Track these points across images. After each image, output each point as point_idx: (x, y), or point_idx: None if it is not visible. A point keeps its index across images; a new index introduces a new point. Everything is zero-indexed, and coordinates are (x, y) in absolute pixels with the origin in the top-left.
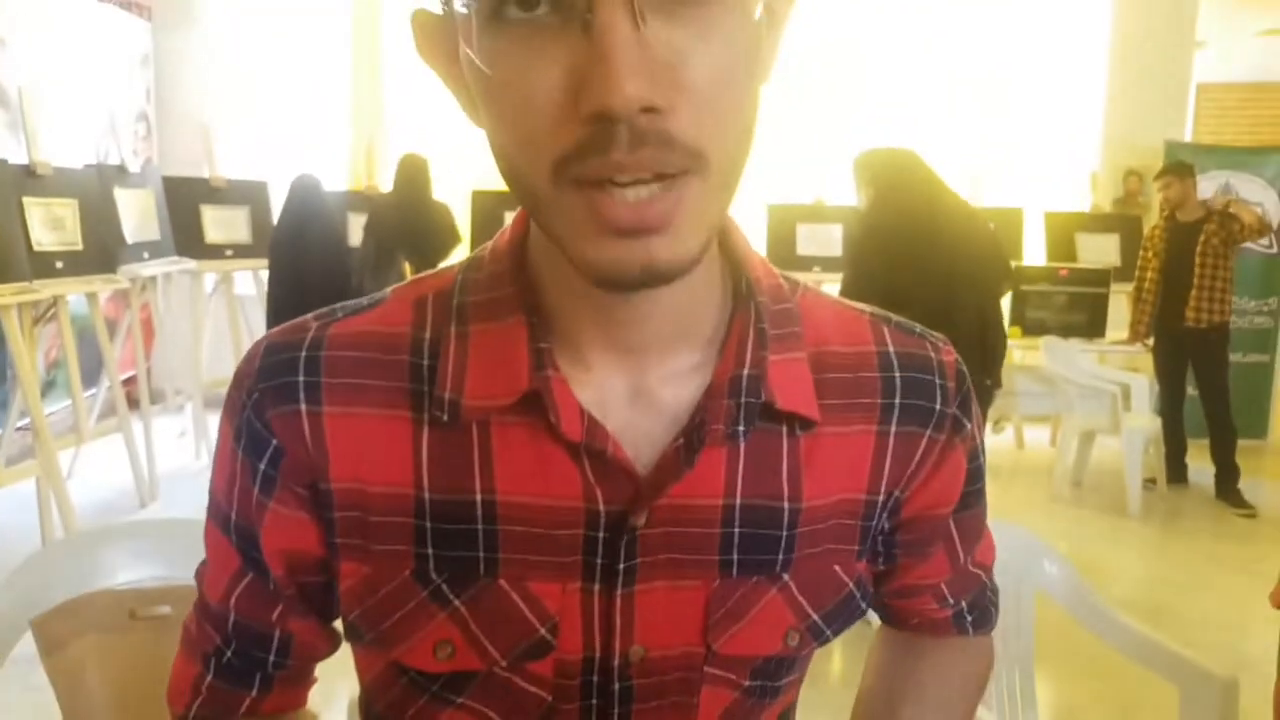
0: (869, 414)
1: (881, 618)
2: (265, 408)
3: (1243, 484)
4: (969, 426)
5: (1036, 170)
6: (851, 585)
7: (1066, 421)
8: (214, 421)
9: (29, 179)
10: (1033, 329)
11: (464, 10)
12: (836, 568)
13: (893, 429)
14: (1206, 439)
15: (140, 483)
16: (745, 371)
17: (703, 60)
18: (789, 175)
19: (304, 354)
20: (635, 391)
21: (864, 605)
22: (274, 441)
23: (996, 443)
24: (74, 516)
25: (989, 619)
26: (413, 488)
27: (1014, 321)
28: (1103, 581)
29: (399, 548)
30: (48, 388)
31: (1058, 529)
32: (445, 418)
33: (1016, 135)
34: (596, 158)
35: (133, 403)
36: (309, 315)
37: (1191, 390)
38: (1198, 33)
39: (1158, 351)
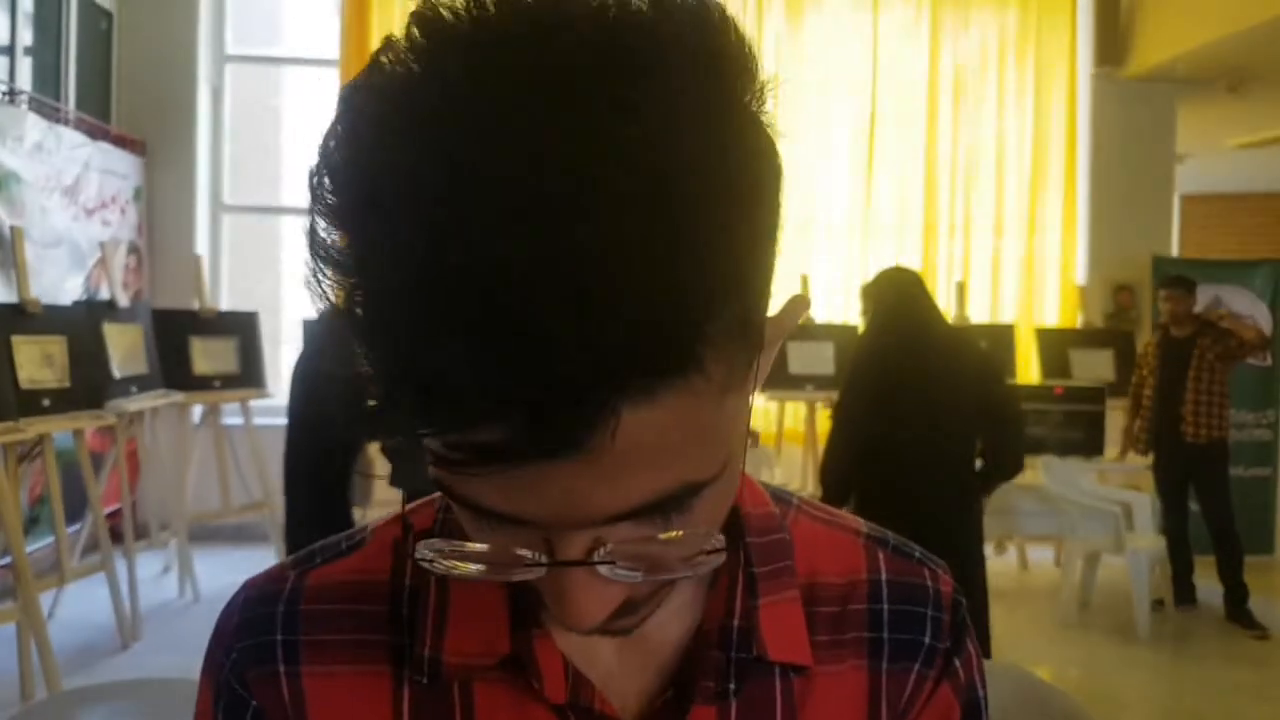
0: (858, 650)
1: None
2: (244, 668)
3: (1253, 603)
4: (958, 665)
5: (1025, 287)
6: None
7: (1070, 543)
8: (199, 557)
9: (18, 317)
10: (1030, 447)
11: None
12: None
13: (884, 666)
14: (1211, 555)
15: (123, 623)
16: (735, 623)
17: (668, 566)
18: (776, 293)
19: (281, 609)
20: (623, 639)
21: None
22: (253, 704)
23: (1000, 564)
24: (54, 662)
25: None
26: None
27: None
28: (1115, 713)
29: None
30: (30, 524)
31: (1066, 656)
32: (425, 680)
33: (1004, 253)
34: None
35: (116, 536)
36: (287, 561)
37: (1194, 505)
38: (1177, 146)
39: (1157, 468)
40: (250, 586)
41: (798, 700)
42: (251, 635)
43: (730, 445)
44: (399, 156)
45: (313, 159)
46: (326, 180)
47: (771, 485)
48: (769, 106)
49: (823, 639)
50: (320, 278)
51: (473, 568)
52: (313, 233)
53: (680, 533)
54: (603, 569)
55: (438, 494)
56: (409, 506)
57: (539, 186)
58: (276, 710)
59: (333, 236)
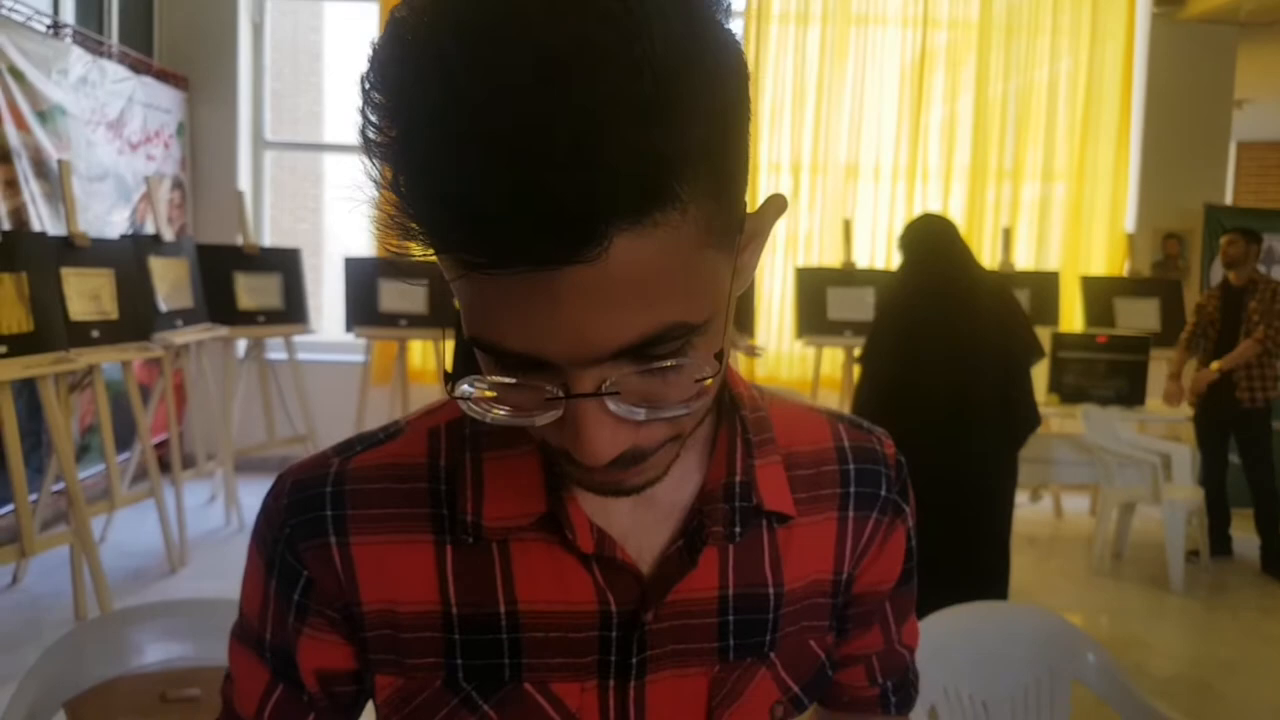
0: (831, 503)
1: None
2: (297, 542)
3: None
4: (906, 509)
5: (1073, 233)
6: (823, 656)
7: (1106, 492)
8: (244, 486)
9: (68, 250)
10: (1071, 396)
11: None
12: (812, 642)
13: (850, 514)
14: (1251, 508)
15: (171, 548)
16: (737, 479)
17: (674, 395)
18: (818, 238)
19: (329, 489)
20: (637, 500)
21: (830, 674)
22: (305, 573)
23: (1034, 512)
24: (105, 584)
25: (910, 700)
26: (440, 604)
27: (1052, 388)
28: (1145, 659)
29: (430, 660)
30: (81, 452)
31: (1098, 603)
32: (470, 540)
33: (1052, 197)
34: (575, 469)
35: (165, 467)
36: (329, 449)
37: (1234, 458)
38: (1236, 91)
39: (1199, 420)
40: (297, 470)
41: (781, 545)
42: (303, 512)
43: (714, 299)
44: (432, 34)
45: (363, 67)
46: (372, 75)
47: (740, 377)
48: (734, 28)
49: (801, 496)
50: (371, 159)
51: (501, 411)
52: (364, 124)
53: (675, 363)
54: (610, 404)
55: None
56: (440, 401)
57: (550, 50)
58: (328, 578)
59: (378, 126)
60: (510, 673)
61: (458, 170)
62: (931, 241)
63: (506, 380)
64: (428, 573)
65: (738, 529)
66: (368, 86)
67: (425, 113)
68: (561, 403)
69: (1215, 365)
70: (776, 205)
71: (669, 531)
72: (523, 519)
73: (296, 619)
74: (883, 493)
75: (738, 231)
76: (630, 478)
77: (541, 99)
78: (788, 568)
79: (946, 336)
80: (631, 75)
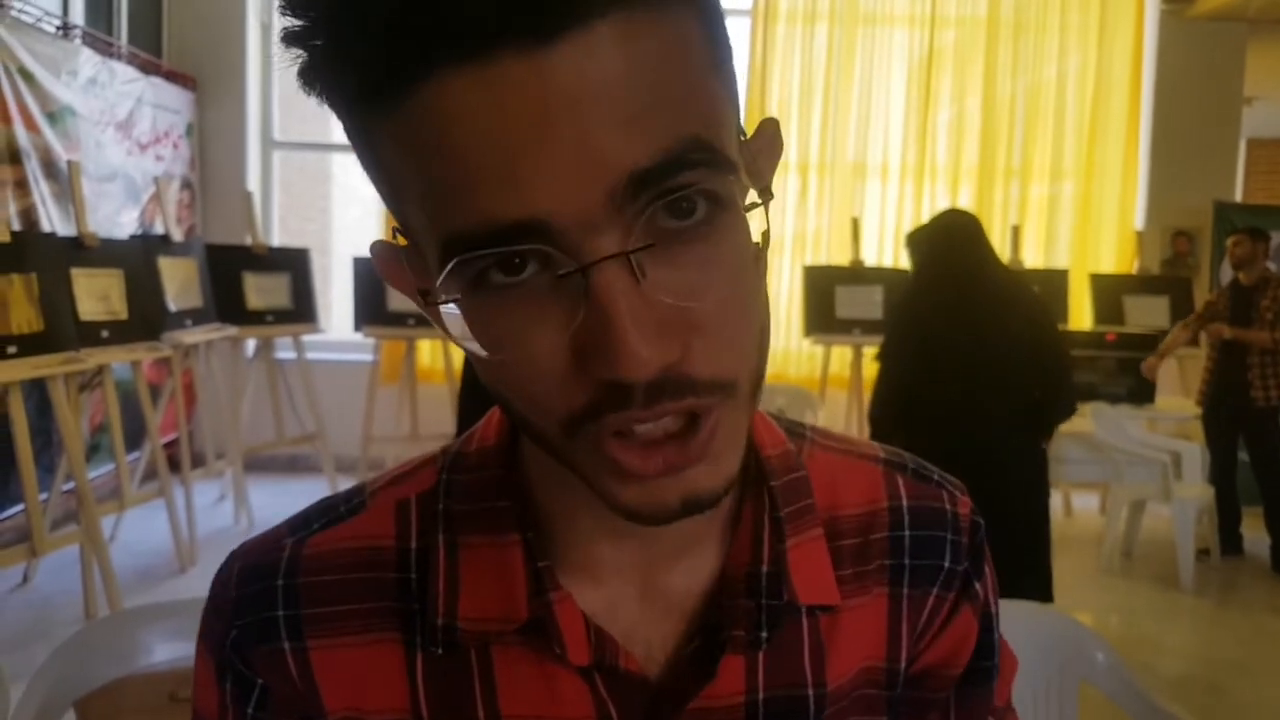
0: (880, 577)
1: None
2: (246, 647)
3: None
4: (978, 587)
5: (1082, 231)
6: None
7: (1115, 490)
8: (253, 485)
9: (77, 251)
10: (1079, 394)
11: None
12: None
13: (905, 591)
14: (1260, 505)
15: (180, 547)
16: (764, 569)
17: (710, 295)
18: (826, 237)
19: (281, 583)
20: (645, 588)
21: None
22: (259, 682)
23: None
24: (115, 583)
25: None
26: (411, 715)
27: None
28: (1154, 659)
29: None
30: (91, 451)
31: (1107, 603)
32: (440, 649)
33: (1060, 195)
34: (612, 415)
35: (174, 466)
36: (283, 526)
37: (1244, 456)
38: (1245, 89)
39: (1208, 419)
40: (246, 555)
41: (825, 638)
42: (252, 612)
43: (732, 148)
44: None
45: None
46: None
47: (783, 418)
48: None
49: (847, 572)
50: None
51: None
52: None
53: (703, 213)
54: (639, 268)
55: (437, 452)
56: (408, 465)
57: None
58: (284, 686)
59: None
60: None
61: None
62: (952, 236)
63: (507, 276)
64: (397, 678)
65: (764, 633)
66: None
67: None
68: (577, 283)
69: (1229, 332)
70: (775, 138)
71: (683, 626)
72: (503, 624)
73: None
74: (946, 564)
75: (735, 106)
76: (694, 455)
77: None
78: (833, 662)
79: (965, 331)
80: None
